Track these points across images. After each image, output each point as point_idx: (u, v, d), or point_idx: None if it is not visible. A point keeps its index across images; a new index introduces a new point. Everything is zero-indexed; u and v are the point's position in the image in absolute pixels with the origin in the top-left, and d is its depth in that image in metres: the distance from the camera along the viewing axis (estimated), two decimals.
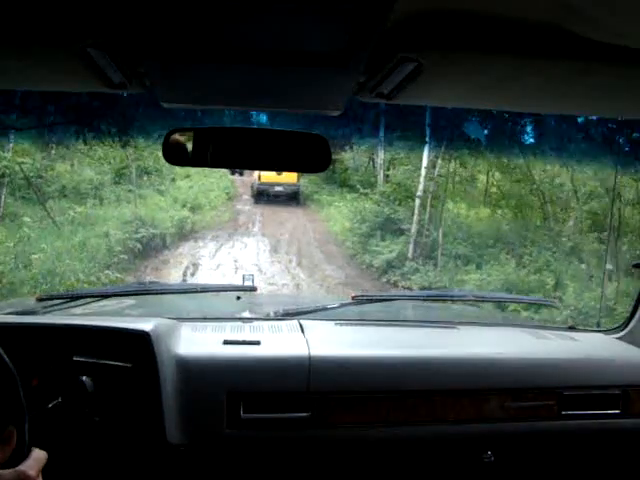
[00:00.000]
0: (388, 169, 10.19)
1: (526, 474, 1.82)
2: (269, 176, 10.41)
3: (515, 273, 8.00)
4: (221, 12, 0.80)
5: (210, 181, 11.30)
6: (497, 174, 9.75)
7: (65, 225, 8.01)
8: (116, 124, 6.91)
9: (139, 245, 8.30)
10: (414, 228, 9.03)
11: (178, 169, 9.81)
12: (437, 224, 9.02)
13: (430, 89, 1.11)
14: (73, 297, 1.96)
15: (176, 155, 1.44)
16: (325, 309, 2.02)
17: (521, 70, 1.00)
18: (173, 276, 7.95)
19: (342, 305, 2.04)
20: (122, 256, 7.83)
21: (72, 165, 9.29)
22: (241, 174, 11.66)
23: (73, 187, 8.92)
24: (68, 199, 8.64)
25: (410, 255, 8.80)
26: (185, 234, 9.40)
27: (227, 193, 11.70)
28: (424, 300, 2.46)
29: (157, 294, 2.17)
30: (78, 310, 1.91)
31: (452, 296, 2.57)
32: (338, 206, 10.72)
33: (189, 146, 1.40)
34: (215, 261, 8.67)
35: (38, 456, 0.94)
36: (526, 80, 1.05)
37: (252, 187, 11.37)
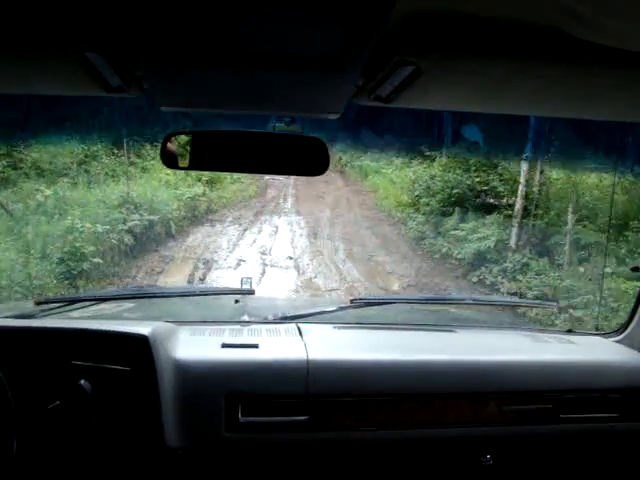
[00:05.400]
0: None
1: (525, 477, 1.81)
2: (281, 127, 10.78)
3: None
4: (219, 16, 0.80)
5: None
6: None
7: (25, 217, 5.84)
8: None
9: (129, 238, 6.06)
10: (519, 204, 6.19)
11: None
12: (555, 197, 5.95)
13: (428, 92, 1.11)
14: (72, 301, 1.96)
15: (174, 159, 1.45)
16: (323, 312, 2.02)
17: (520, 73, 1.00)
18: (178, 282, 5.81)
19: (340, 308, 2.04)
20: (96, 260, 5.59)
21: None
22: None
23: (49, 162, 6.53)
24: (45, 179, 6.36)
25: (513, 244, 6.05)
26: (198, 217, 7.39)
27: None
28: (422, 303, 2.46)
29: (155, 297, 2.17)
30: (76, 314, 1.91)
31: (450, 299, 2.57)
32: (386, 173, 8.49)
33: (188, 149, 1.40)
34: (235, 255, 6.46)
35: None
36: (525, 83, 1.04)
37: None
